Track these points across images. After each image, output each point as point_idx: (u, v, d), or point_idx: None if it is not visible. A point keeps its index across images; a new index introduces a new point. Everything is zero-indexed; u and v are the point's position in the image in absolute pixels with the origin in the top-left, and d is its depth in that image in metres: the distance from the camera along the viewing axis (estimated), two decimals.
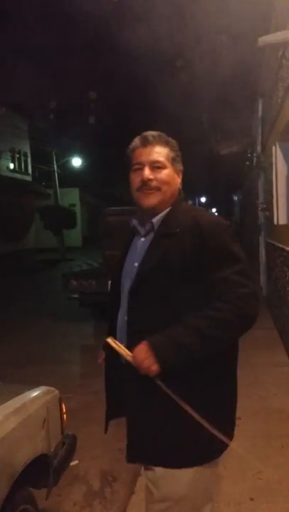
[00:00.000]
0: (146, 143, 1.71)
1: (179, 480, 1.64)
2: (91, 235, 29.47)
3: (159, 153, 1.70)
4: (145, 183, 1.69)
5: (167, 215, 1.71)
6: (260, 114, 9.97)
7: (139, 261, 1.69)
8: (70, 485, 3.03)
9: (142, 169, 1.70)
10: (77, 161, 27.12)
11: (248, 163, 13.73)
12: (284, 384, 4.70)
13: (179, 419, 1.58)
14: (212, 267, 1.56)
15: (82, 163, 27.59)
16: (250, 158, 12.77)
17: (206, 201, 53.42)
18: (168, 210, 1.72)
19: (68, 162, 26.86)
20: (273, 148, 7.03)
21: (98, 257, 9.22)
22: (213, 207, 54.09)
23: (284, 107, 5.73)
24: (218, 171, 30.32)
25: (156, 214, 1.72)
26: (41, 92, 21.60)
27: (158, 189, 1.70)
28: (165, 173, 1.70)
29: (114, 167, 30.04)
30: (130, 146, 1.76)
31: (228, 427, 1.68)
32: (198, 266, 1.56)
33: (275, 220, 7.02)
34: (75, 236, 28.93)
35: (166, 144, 1.73)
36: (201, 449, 1.63)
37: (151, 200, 1.70)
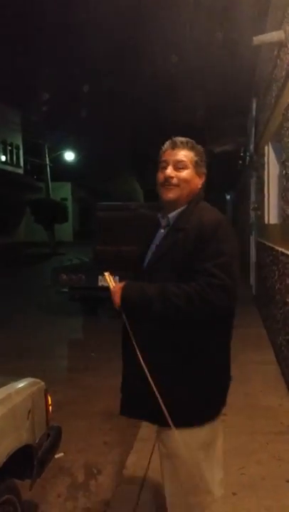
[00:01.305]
0: (174, 146, 1.93)
1: (175, 439, 1.80)
2: (82, 230, 29.38)
3: (184, 155, 1.90)
4: (167, 179, 1.89)
5: (182, 212, 1.92)
6: (254, 113, 9.99)
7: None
8: (54, 477, 3.03)
9: (166, 167, 1.91)
10: (69, 155, 27.04)
11: (240, 162, 13.78)
12: (270, 381, 4.74)
13: (169, 383, 1.79)
14: (200, 257, 1.75)
15: (75, 157, 27.48)
16: (243, 158, 12.81)
17: None
18: (184, 207, 1.92)
19: (61, 156, 26.74)
20: (266, 148, 7.05)
21: (89, 252, 9.19)
22: None
23: (277, 106, 5.75)
24: (211, 170, 30.38)
25: (175, 209, 1.93)
26: (34, 84, 21.46)
27: (177, 186, 1.90)
28: (186, 173, 1.89)
29: (106, 162, 29.97)
30: (162, 148, 1.98)
31: (203, 399, 1.84)
32: (196, 257, 1.76)
33: (266, 219, 7.05)
34: (66, 230, 28.83)
35: (191, 148, 1.93)
36: (191, 413, 1.81)
37: (170, 194, 1.90)
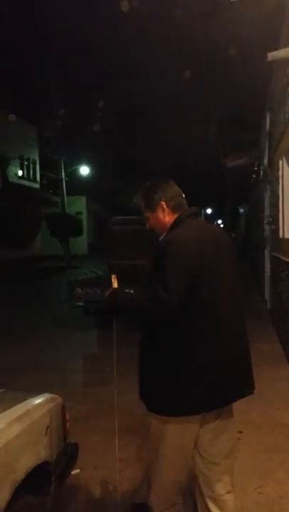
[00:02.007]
0: None
1: (153, 426, 2.19)
2: (97, 243, 29.51)
3: (144, 211, 2.38)
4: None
5: (161, 238, 2.33)
6: (267, 127, 10.01)
7: None
8: (71, 493, 3.03)
9: None
10: (84, 170, 27.27)
11: (254, 176, 13.77)
12: (287, 398, 4.68)
13: (153, 374, 2.14)
14: (154, 270, 2.11)
15: (90, 171, 27.73)
16: (256, 172, 12.81)
17: (211, 212, 53.40)
18: (164, 235, 2.33)
19: (76, 170, 27.00)
20: (280, 162, 7.06)
21: (103, 266, 9.22)
22: (218, 218, 54.11)
23: None
24: (225, 183, 30.42)
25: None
26: (51, 100, 21.83)
27: (154, 229, 2.38)
28: (151, 221, 2.36)
29: (120, 177, 30.20)
30: None
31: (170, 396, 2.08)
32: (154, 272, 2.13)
33: (281, 233, 7.03)
34: (80, 244, 28.98)
35: (141, 200, 2.37)
36: (169, 403, 2.08)
37: (157, 233, 2.39)
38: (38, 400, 2.19)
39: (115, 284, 2.31)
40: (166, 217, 2.29)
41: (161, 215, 2.29)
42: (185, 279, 2.00)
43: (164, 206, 2.28)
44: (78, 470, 3.08)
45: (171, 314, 2.00)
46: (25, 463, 1.90)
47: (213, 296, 2.08)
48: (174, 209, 2.29)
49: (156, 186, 2.33)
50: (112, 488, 3.19)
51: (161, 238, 2.31)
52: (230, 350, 2.13)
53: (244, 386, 2.25)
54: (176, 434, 2.12)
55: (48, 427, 2.14)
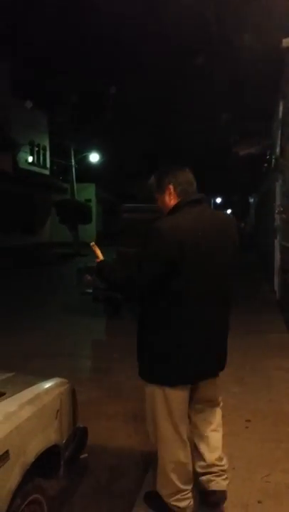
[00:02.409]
0: None
1: (144, 391, 2.47)
2: (106, 231, 29.50)
3: (154, 192, 2.54)
4: None
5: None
6: (280, 116, 9.87)
7: None
8: (78, 477, 3.05)
9: None
10: (94, 157, 27.14)
11: (266, 165, 13.62)
12: None
13: (144, 347, 2.41)
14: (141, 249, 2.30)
15: (100, 159, 27.59)
16: (268, 160, 12.67)
17: (221, 202, 53.11)
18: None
19: (86, 157, 26.89)
20: None
21: (112, 253, 9.22)
22: (228, 208, 53.76)
23: None
24: (235, 173, 30.17)
25: None
26: (62, 86, 21.70)
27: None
28: (159, 203, 2.52)
29: (130, 165, 30.04)
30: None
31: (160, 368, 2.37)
32: None
33: None
34: (89, 231, 28.94)
35: (153, 181, 2.52)
36: (158, 371, 2.35)
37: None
38: (48, 384, 2.20)
39: (98, 252, 2.60)
40: (171, 200, 2.41)
41: (167, 198, 2.42)
42: (156, 265, 2.19)
43: (172, 190, 2.40)
44: (86, 454, 3.10)
45: (136, 292, 2.40)
46: (36, 446, 1.91)
47: (190, 284, 2.23)
48: (179, 194, 2.39)
49: (168, 170, 2.44)
50: (119, 473, 3.21)
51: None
52: (200, 333, 2.32)
53: (214, 368, 2.50)
54: (161, 399, 2.37)
55: (58, 411, 2.14)
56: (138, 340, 2.47)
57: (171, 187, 2.40)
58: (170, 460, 2.42)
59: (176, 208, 2.36)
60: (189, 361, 2.32)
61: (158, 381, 2.37)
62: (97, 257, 2.58)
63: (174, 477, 2.40)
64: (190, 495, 2.46)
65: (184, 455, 2.44)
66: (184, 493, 2.42)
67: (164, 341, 2.32)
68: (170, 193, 2.41)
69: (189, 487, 2.46)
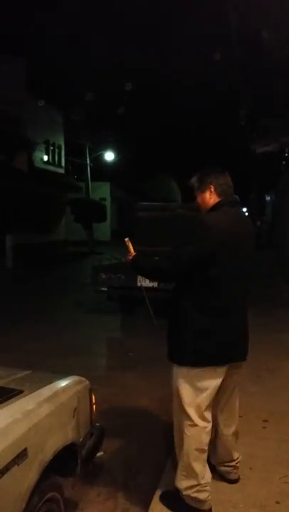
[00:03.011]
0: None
1: (173, 377, 2.59)
2: (120, 230, 29.53)
3: (195, 190, 2.75)
4: None
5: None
6: None
7: None
8: (95, 476, 3.05)
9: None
10: (109, 156, 27.15)
11: (284, 162, 13.48)
12: None
13: (176, 330, 2.56)
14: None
15: (115, 157, 27.60)
16: (286, 158, 12.54)
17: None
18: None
19: (101, 156, 26.92)
20: None
21: (126, 252, 9.20)
22: (243, 206, 53.30)
23: None
24: (251, 170, 29.92)
25: None
26: (77, 85, 21.75)
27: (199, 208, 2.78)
28: (199, 200, 2.73)
29: (145, 162, 30.01)
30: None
31: (183, 350, 2.52)
32: None
33: None
34: (104, 230, 29.02)
35: (196, 180, 2.73)
36: (188, 355, 2.49)
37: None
38: (66, 382, 2.19)
39: (130, 247, 2.83)
40: (211, 199, 2.65)
41: (207, 196, 2.66)
42: (199, 252, 2.43)
43: (212, 189, 2.64)
44: (102, 453, 3.09)
45: (167, 277, 2.79)
46: (54, 443, 1.91)
47: (224, 274, 2.46)
48: (219, 194, 2.63)
49: (210, 172, 2.69)
50: (135, 471, 3.20)
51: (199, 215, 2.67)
52: (229, 319, 2.53)
53: (240, 353, 2.65)
54: (188, 380, 2.50)
55: (75, 409, 2.14)
56: (170, 322, 2.61)
57: (212, 187, 2.64)
58: (195, 447, 2.51)
59: (217, 206, 2.61)
60: (222, 343, 2.50)
61: (190, 362, 2.49)
62: (130, 252, 2.81)
63: (196, 466, 2.50)
64: (208, 488, 2.55)
65: (206, 442, 2.56)
66: (203, 485, 2.52)
67: (199, 323, 2.48)
68: (210, 192, 2.65)
69: (208, 480, 2.56)
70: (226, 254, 2.45)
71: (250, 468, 3.03)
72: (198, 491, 2.50)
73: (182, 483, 2.53)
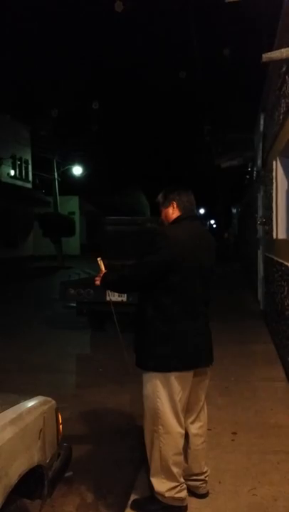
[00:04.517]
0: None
1: (144, 383, 2.68)
2: (89, 243, 29.43)
3: (160, 205, 2.96)
4: None
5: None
6: (261, 128, 10.03)
7: None
8: (63, 496, 3.00)
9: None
10: (77, 170, 27.15)
11: (248, 176, 13.80)
12: (280, 399, 4.68)
13: (143, 337, 2.67)
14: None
15: (83, 171, 27.62)
16: (250, 172, 12.83)
17: (204, 213, 53.50)
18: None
19: (69, 170, 26.89)
20: (274, 163, 7.07)
21: (96, 266, 9.18)
22: (211, 219, 54.09)
23: (286, 123, 5.78)
24: (218, 183, 30.46)
25: None
26: (44, 100, 21.73)
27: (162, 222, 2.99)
28: (162, 215, 2.94)
29: (114, 177, 30.13)
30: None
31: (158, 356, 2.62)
32: None
33: (275, 234, 7.04)
34: (73, 244, 28.87)
35: (161, 196, 2.93)
36: (157, 360, 2.60)
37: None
38: (31, 403, 2.16)
39: (102, 266, 2.95)
40: (173, 213, 2.85)
41: (170, 211, 2.86)
42: (160, 261, 2.60)
43: (175, 205, 2.84)
44: (71, 473, 3.04)
45: (131, 287, 2.92)
46: (19, 467, 1.87)
47: (184, 281, 2.62)
48: (181, 210, 2.84)
49: (174, 189, 2.89)
50: (105, 491, 3.16)
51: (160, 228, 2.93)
52: (189, 326, 2.65)
53: (204, 357, 2.75)
54: (159, 385, 2.60)
55: (41, 430, 2.10)
56: (137, 330, 2.73)
57: (174, 203, 2.85)
58: (173, 452, 2.62)
59: (177, 219, 2.82)
60: (187, 346, 2.62)
61: (154, 367, 2.61)
62: (101, 270, 2.93)
63: (175, 470, 2.62)
64: (185, 486, 2.72)
65: (182, 445, 2.68)
66: (182, 484, 2.68)
67: (160, 329, 2.61)
68: (173, 208, 2.85)
69: (182, 480, 2.70)
70: (183, 263, 2.61)
71: (219, 482, 3.04)
72: (180, 491, 2.65)
73: (163, 486, 2.63)
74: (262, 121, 9.89)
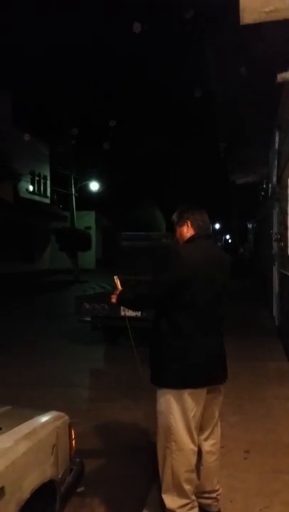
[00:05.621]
0: None
1: (158, 396, 2.71)
2: (105, 258, 29.59)
3: (175, 224, 3.02)
4: None
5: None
6: (276, 146, 10.07)
7: None
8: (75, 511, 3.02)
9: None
10: (94, 185, 27.47)
11: (263, 193, 13.80)
12: None
13: (158, 353, 2.71)
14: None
15: (100, 187, 27.94)
16: (265, 189, 12.84)
17: (219, 228, 53.38)
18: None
19: (86, 186, 27.22)
20: None
21: (111, 280, 9.25)
22: (226, 233, 53.91)
23: None
24: (233, 199, 30.44)
25: None
26: (64, 117, 22.14)
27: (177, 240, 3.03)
28: (177, 233, 2.98)
29: (130, 192, 30.36)
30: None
31: (170, 373, 2.64)
32: None
33: None
34: (89, 258, 29.06)
35: (175, 215, 2.99)
36: (171, 376, 2.62)
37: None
38: (45, 418, 2.21)
39: (118, 284, 2.99)
40: (187, 232, 2.91)
41: (185, 229, 2.92)
42: (170, 283, 2.66)
43: (189, 224, 2.90)
44: (83, 488, 3.08)
45: (147, 304, 3.12)
46: (31, 481, 1.92)
47: (197, 299, 2.65)
48: (195, 229, 2.89)
49: (189, 208, 2.96)
50: (117, 506, 3.18)
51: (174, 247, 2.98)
52: (203, 343, 2.67)
53: (218, 374, 2.77)
54: (172, 401, 2.63)
55: (54, 446, 2.15)
56: (152, 346, 2.78)
57: (189, 222, 2.91)
58: (185, 469, 2.64)
59: (192, 238, 2.87)
60: (200, 363, 2.65)
61: (168, 383, 2.64)
62: (117, 288, 2.98)
63: (186, 487, 2.64)
64: (196, 503, 2.72)
65: (194, 462, 2.70)
66: (194, 502, 2.69)
67: (173, 346, 2.65)
68: (188, 227, 2.90)
69: (194, 497, 2.72)
70: (198, 280, 2.65)
71: (231, 501, 3.04)
72: (191, 508, 2.65)
73: (174, 503, 2.64)
74: (277, 139, 9.94)
